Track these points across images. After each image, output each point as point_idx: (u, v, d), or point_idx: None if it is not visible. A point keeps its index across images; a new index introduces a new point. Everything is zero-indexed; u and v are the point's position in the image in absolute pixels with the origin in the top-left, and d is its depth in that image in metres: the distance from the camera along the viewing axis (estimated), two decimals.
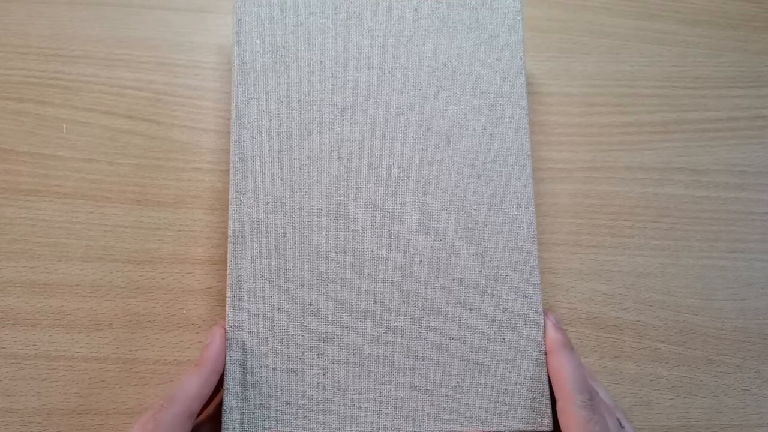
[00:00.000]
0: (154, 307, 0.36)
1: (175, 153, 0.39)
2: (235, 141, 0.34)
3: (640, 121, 0.41)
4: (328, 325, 0.32)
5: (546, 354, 0.32)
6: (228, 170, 0.38)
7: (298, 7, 0.36)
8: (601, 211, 0.40)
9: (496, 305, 0.33)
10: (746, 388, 0.37)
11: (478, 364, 0.32)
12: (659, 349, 0.38)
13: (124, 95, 0.39)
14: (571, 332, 0.38)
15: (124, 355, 0.36)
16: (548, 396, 0.32)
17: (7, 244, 0.37)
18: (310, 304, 0.33)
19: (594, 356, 0.37)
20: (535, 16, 0.43)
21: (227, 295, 0.32)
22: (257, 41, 0.35)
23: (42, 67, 0.39)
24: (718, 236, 0.40)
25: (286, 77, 0.35)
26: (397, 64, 0.35)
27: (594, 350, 0.38)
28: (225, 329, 0.32)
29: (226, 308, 0.32)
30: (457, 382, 0.32)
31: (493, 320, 0.33)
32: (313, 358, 0.32)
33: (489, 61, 0.36)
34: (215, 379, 0.30)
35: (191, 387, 0.29)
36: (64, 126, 0.39)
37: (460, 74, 0.35)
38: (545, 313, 0.33)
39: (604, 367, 0.37)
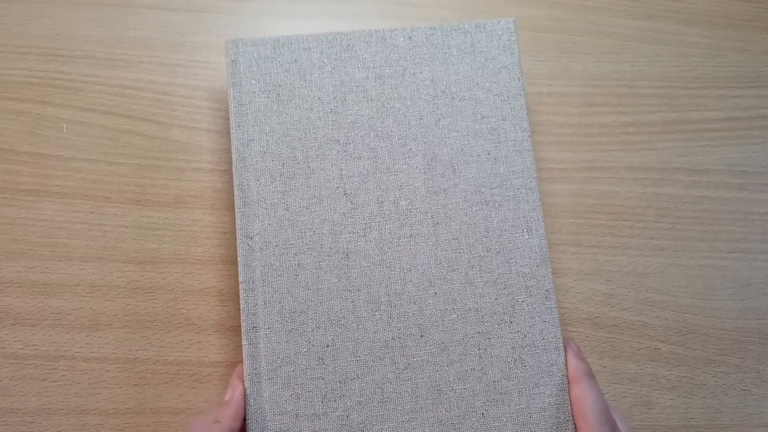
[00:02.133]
0: (154, 307, 0.36)
1: (175, 153, 0.39)
2: (239, 185, 0.33)
3: (640, 121, 0.41)
4: (347, 365, 0.32)
5: (568, 382, 0.32)
6: (228, 170, 0.38)
7: (291, 44, 0.35)
8: (601, 211, 0.40)
9: (515, 332, 0.32)
10: (746, 388, 0.37)
11: (501, 393, 0.32)
12: (659, 349, 0.38)
13: (125, 95, 0.39)
14: (571, 332, 0.38)
15: (124, 355, 0.36)
16: (572, 421, 0.31)
17: (7, 244, 0.37)
18: (328, 346, 0.32)
19: (594, 356, 0.37)
20: (534, 16, 0.43)
21: (243, 343, 0.32)
22: (252, 81, 0.34)
23: (42, 67, 0.39)
24: (718, 236, 0.40)
25: (284, 116, 0.34)
26: (395, 95, 0.35)
27: (594, 350, 0.38)
28: (243, 382, 0.31)
29: (243, 356, 0.32)
30: (482, 414, 0.32)
31: (512, 348, 0.32)
32: (335, 401, 0.31)
33: (487, 84, 0.35)
34: None
35: None
36: (64, 126, 0.39)
37: (459, 100, 0.35)
38: (566, 340, 0.33)
39: (604, 367, 0.37)
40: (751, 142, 0.41)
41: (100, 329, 0.36)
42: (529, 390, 0.32)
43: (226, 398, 0.31)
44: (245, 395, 0.31)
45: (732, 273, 0.39)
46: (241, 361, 0.35)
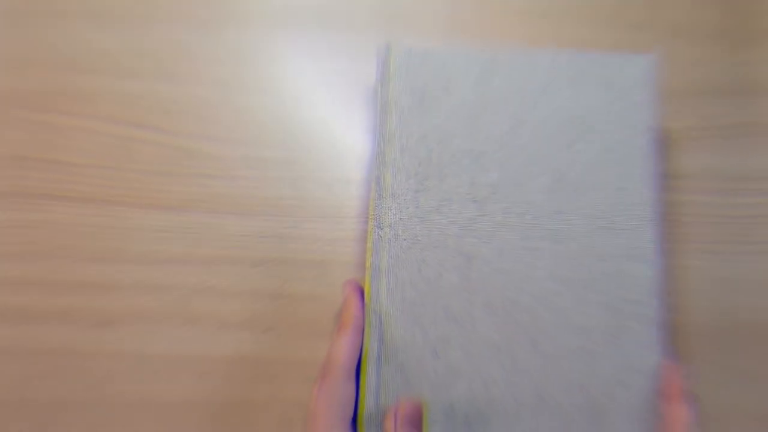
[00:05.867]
0: (161, 306, 0.37)
1: (181, 160, 0.39)
2: (376, 178, 0.34)
3: None
4: (458, 362, 0.33)
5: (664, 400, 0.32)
6: (231, 176, 0.39)
7: (440, 53, 0.36)
8: None
9: (621, 356, 0.33)
10: (740, 385, 0.38)
11: (602, 413, 0.32)
12: None
13: (134, 105, 0.40)
14: None
15: (132, 351, 0.36)
16: None
17: (21, 246, 0.38)
18: (442, 340, 0.33)
19: None
20: (523, 29, 0.43)
21: (365, 324, 0.33)
22: (400, 84, 0.36)
23: (55, 77, 0.40)
24: (717, 238, 0.40)
25: (425, 120, 0.35)
26: (531, 114, 0.36)
27: None
28: (359, 287, 0.33)
29: (365, 338, 0.33)
30: (583, 429, 0.32)
31: (617, 370, 0.33)
32: (442, 393, 0.32)
33: (620, 117, 0.36)
34: (360, 338, 0.32)
35: (341, 351, 0.31)
36: (76, 134, 0.39)
37: (592, 128, 0.36)
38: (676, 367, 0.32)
39: None
40: (731, 149, 0.42)
41: (109, 326, 0.37)
42: (629, 413, 0.33)
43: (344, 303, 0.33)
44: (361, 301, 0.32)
45: (731, 274, 0.39)
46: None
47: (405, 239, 0.34)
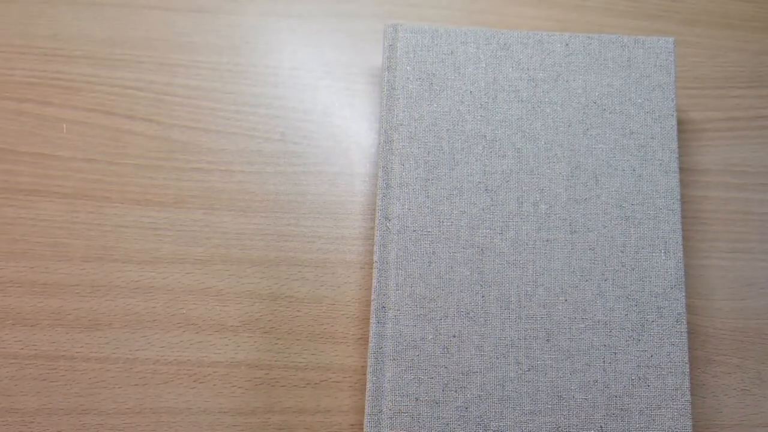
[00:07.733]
0: (154, 307, 0.36)
1: (175, 153, 0.39)
2: (383, 167, 0.34)
3: None
4: (471, 358, 0.32)
5: None
6: (227, 170, 0.39)
7: (449, 35, 0.36)
8: None
9: (642, 351, 0.33)
10: (746, 388, 0.37)
11: (621, 409, 0.32)
12: None
13: (125, 95, 0.39)
14: None
15: (123, 355, 0.36)
16: None
17: (8, 244, 0.37)
18: (455, 336, 0.32)
19: None
20: (534, 16, 0.43)
21: (371, 321, 0.32)
22: (407, 67, 0.35)
23: (42, 67, 0.40)
24: (718, 236, 0.40)
25: (435, 105, 0.35)
26: (546, 99, 0.35)
27: None
28: None
29: (370, 334, 0.32)
30: (600, 427, 0.32)
31: (638, 366, 0.32)
32: (456, 391, 0.32)
33: (640, 101, 0.35)
34: None
35: None
36: (64, 126, 0.39)
37: (610, 113, 0.35)
38: None
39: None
40: (751, 142, 0.41)
41: (100, 329, 0.36)
42: (650, 411, 0.32)
43: None
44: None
45: (732, 273, 0.39)
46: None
47: (414, 231, 0.33)
